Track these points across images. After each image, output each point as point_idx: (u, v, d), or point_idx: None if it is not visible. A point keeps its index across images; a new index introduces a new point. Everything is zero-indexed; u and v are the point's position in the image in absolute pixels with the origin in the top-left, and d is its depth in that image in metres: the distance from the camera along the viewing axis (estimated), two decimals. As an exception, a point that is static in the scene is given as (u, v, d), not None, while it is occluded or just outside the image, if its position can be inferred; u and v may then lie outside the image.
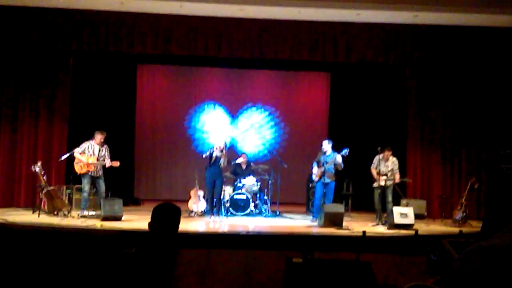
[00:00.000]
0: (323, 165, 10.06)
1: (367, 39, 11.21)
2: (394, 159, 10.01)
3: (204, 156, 10.04)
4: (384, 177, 9.82)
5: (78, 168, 9.62)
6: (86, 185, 9.63)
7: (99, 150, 9.70)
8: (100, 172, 9.73)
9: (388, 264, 7.24)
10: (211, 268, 7.08)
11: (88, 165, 9.56)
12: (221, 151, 9.93)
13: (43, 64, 11.15)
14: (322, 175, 10.09)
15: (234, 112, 13.91)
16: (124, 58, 12.04)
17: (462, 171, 11.58)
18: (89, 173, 9.60)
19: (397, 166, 9.96)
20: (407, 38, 11.28)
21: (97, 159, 9.63)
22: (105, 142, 9.85)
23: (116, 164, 9.69)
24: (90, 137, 9.81)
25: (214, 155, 9.94)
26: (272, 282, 6.37)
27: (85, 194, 9.69)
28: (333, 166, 10.07)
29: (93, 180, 9.69)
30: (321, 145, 10.32)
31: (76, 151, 9.60)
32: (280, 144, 13.96)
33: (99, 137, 9.72)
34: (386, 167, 9.90)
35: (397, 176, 9.91)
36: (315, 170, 10.23)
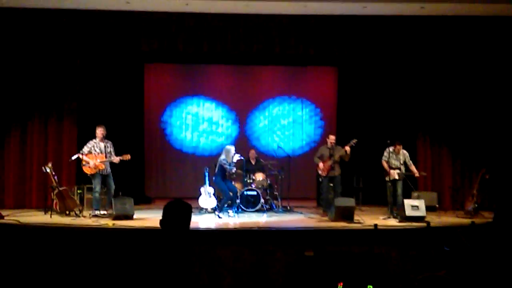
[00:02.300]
0: (330, 158, 10.12)
1: (373, 33, 11.13)
2: (405, 151, 10.03)
3: (231, 171, 10.28)
4: (397, 171, 9.83)
5: (88, 169, 9.64)
6: (97, 185, 9.65)
7: (105, 147, 9.74)
8: (109, 170, 9.77)
9: (401, 256, 7.23)
10: (222, 263, 7.10)
11: (96, 165, 9.59)
12: (229, 164, 10.09)
13: (51, 65, 11.21)
14: (330, 168, 10.13)
15: (242, 108, 13.87)
16: (132, 57, 12.07)
17: (472, 162, 11.50)
18: (99, 172, 9.63)
19: (409, 158, 10.00)
20: (414, 30, 11.18)
21: (105, 157, 9.68)
22: (114, 140, 9.91)
23: (127, 157, 9.73)
24: (97, 136, 9.88)
25: (220, 165, 10.09)
26: (283, 276, 6.37)
27: (97, 195, 9.72)
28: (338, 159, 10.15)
29: (103, 179, 9.72)
30: (327, 140, 10.51)
31: (83, 153, 9.64)
32: (290, 139, 13.93)
33: (98, 131, 9.74)
34: (397, 161, 9.92)
35: (414, 168, 9.92)
36: (321, 165, 10.25)
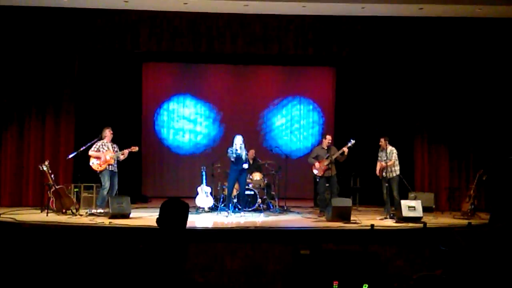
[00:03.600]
0: (327, 158, 10.11)
1: (372, 33, 11.13)
2: (393, 148, 9.99)
3: (232, 158, 10.05)
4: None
5: (97, 166, 9.61)
6: (106, 181, 9.58)
7: (112, 147, 9.76)
8: (116, 169, 9.79)
9: (397, 255, 7.24)
10: (219, 262, 7.10)
11: (106, 160, 9.59)
12: (232, 152, 10.05)
13: (49, 63, 11.18)
14: (327, 168, 10.12)
15: (239, 108, 13.87)
16: (130, 56, 12.06)
17: (470, 163, 11.53)
18: (108, 168, 9.62)
19: (390, 153, 9.92)
20: (413, 31, 11.18)
21: (114, 153, 9.72)
22: (112, 138, 9.91)
23: (135, 148, 9.82)
24: (96, 135, 9.84)
25: (236, 154, 9.99)
26: (280, 275, 6.39)
27: (105, 192, 9.62)
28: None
29: (111, 176, 9.71)
30: (321, 141, 10.57)
31: (91, 151, 9.63)
32: (286, 139, 13.95)
33: (109, 132, 9.78)
34: (385, 157, 9.90)
35: (389, 163, 9.87)
36: (317, 165, 10.23)
